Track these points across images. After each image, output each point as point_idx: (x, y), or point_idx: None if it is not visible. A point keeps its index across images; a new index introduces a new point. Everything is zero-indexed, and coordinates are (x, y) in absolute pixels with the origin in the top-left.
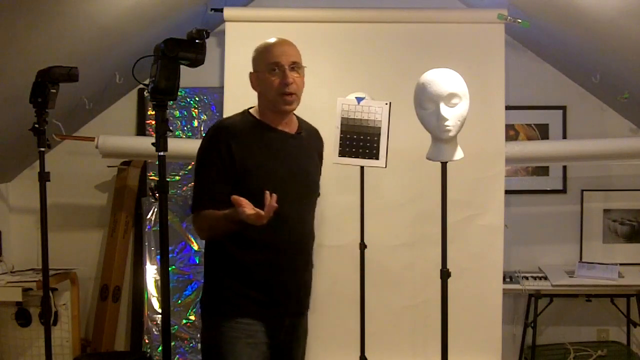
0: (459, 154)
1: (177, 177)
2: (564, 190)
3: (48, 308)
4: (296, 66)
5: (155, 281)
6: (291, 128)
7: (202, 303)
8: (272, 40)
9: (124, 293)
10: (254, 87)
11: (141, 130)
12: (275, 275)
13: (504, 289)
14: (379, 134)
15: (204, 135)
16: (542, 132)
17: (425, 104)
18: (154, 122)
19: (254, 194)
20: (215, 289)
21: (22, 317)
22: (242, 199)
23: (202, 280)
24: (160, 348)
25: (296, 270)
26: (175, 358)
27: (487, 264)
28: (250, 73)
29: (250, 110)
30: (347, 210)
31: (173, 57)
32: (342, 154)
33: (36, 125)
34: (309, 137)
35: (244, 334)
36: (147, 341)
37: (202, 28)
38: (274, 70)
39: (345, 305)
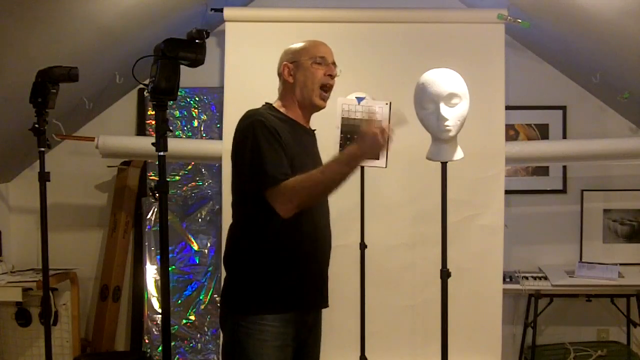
0: (459, 154)
1: (177, 177)
2: (564, 190)
3: (48, 308)
4: (335, 66)
5: (155, 281)
6: (308, 124)
7: (224, 301)
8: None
9: (124, 293)
10: (286, 78)
11: (141, 130)
12: (311, 267)
13: (504, 289)
14: None
15: (242, 126)
16: (542, 132)
17: (425, 104)
18: (154, 122)
19: None
20: (240, 285)
21: (22, 317)
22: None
23: (203, 280)
24: (160, 348)
25: (326, 262)
26: (175, 358)
27: (487, 264)
28: (285, 63)
29: (274, 105)
30: (347, 211)
31: (173, 57)
32: None
33: (36, 125)
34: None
35: (270, 336)
36: (147, 341)
37: (202, 28)
38: (319, 63)
39: (345, 305)
